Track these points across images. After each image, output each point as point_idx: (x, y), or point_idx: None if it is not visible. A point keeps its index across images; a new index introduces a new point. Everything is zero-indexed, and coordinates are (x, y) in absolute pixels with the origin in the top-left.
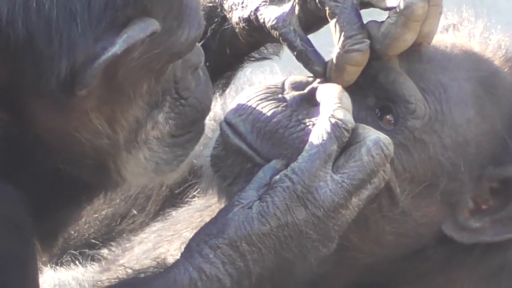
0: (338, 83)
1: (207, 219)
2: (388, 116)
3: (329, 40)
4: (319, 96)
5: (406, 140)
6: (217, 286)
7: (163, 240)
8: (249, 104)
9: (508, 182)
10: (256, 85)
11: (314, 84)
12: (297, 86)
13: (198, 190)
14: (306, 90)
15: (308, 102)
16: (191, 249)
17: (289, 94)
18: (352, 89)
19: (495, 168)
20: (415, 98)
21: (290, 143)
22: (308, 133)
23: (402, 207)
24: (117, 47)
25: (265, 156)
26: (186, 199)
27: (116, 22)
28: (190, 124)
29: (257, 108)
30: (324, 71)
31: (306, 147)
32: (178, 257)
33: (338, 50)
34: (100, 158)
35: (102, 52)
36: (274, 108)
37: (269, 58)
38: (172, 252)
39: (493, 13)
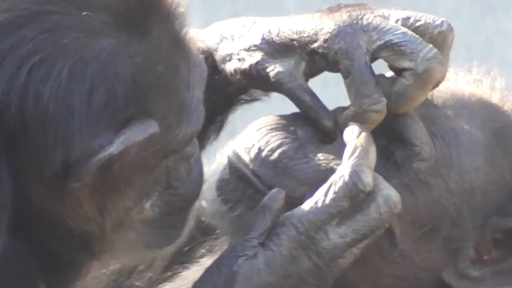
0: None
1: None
2: (394, 158)
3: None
4: (347, 136)
5: (411, 182)
6: None
7: None
8: (257, 133)
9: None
10: (267, 117)
11: (324, 122)
12: (306, 121)
13: (208, 247)
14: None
15: (319, 139)
16: None
17: (301, 128)
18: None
19: (500, 218)
20: (420, 141)
21: (293, 173)
22: (313, 168)
23: (402, 250)
24: (114, 147)
25: (267, 184)
26: (195, 257)
27: (115, 120)
28: (176, 212)
29: (265, 137)
30: (334, 126)
31: (317, 193)
32: None
33: (354, 109)
34: (86, 238)
35: (99, 150)
36: (282, 138)
37: (259, 99)
38: None
39: (501, 64)
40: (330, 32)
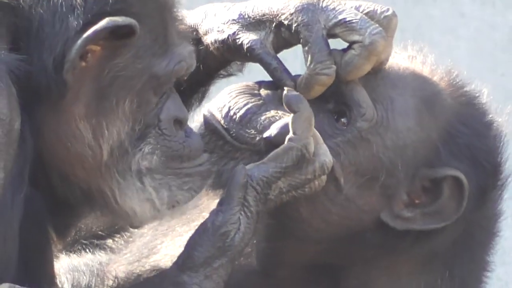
0: (305, 97)
1: (194, 217)
2: (343, 119)
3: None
4: (290, 104)
5: (354, 139)
6: None
7: (159, 234)
8: (228, 96)
9: (437, 182)
10: (237, 83)
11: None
12: (271, 86)
13: None
14: (279, 90)
15: (279, 100)
16: (197, 268)
17: (264, 91)
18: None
19: (427, 169)
20: (366, 104)
21: (255, 126)
22: (272, 122)
23: (346, 194)
24: (98, 26)
25: (234, 136)
26: None
27: (104, 13)
28: (180, 159)
29: (234, 99)
30: (295, 86)
31: (272, 156)
32: (185, 273)
33: (309, 72)
34: (93, 181)
35: (87, 31)
36: (248, 99)
37: (235, 75)
38: (166, 243)
39: (429, 45)
40: (295, 8)
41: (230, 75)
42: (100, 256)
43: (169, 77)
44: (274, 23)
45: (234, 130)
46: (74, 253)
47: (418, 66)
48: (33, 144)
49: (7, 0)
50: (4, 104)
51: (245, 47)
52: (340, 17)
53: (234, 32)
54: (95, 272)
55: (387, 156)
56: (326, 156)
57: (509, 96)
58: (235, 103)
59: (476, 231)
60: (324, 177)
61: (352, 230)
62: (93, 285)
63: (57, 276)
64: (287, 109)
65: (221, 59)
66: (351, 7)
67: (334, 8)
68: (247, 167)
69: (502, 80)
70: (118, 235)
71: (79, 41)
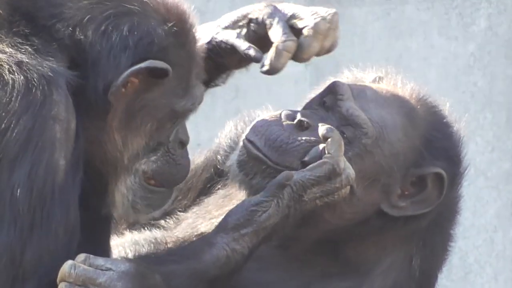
0: (276, 66)
1: (226, 203)
2: (349, 136)
3: None
4: (324, 132)
5: (361, 152)
6: (240, 257)
7: (199, 217)
8: (260, 127)
9: (423, 177)
10: (263, 115)
11: (298, 117)
12: (288, 117)
13: (221, 185)
14: (294, 122)
15: (296, 129)
16: (227, 231)
17: (285, 123)
18: (322, 119)
19: (414, 169)
20: (367, 125)
21: (290, 152)
22: (302, 148)
23: (357, 195)
24: (142, 64)
25: (274, 161)
26: (213, 190)
27: (148, 58)
28: (162, 181)
29: (267, 130)
30: (262, 57)
31: (310, 168)
32: (218, 234)
33: (277, 42)
34: (108, 170)
35: (131, 67)
36: (277, 131)
37: (219, 85)
38: (205, 224)
39: (408, 71)
40: (261, 7)
41: (216, 85)
42: (155, 233)
43: (184, 113)
44: (246, 21)
45: (274, 157)
46: (135, 230)
47: (398, 89)
48: (84, 141)
49: (70, 33)
50: (63, 108)
51: (224, 40)
52: (293, 11)
53: (217, 33)
54: (152, 245)
55: (386, 162)
56: (350, 170)
57: (468, 108)
58: (269, 134)
59: (444, 211)
60: (348, 187)
61: (359, 220)
62: (149, 252)
63: (122, 248)
64: (321, 137)
65: (210, 68)
66: (302, 8)
67: (288, 7)
68: (289, 172)
69: (463, 96)
70: (169, 218)
71: (125, 73)
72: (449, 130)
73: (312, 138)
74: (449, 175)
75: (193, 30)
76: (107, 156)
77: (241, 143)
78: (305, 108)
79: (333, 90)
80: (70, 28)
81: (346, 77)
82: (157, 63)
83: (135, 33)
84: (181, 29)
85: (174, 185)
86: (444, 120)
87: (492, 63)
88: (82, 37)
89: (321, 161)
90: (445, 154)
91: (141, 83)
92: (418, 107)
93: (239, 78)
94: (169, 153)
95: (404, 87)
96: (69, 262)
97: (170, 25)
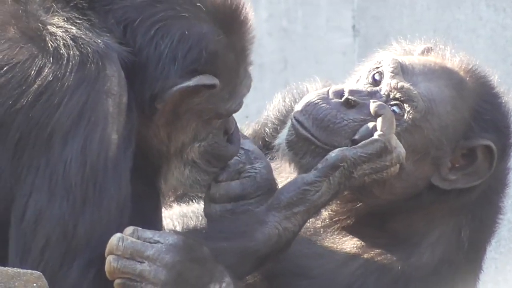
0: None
1: (276, 176)
2: (398, 111)
3: None
4: (377, 110)
5: (410, 127)
6: (291, 235)
7: None
8: (308, 106)
9: (472, 149)
10: (311, 93)
11: (345, 94)
12: (336, 94)
13: (270, 157)
14: (342, 100)
15: (344, 106)
16: (280, 209)
17: (333, 101)
18: (370, 95)
19: (464, 141)
20: (417, 99)
21: (338, 132)
22: (349, 127)
23: (406, 169)
24: (190, 82)
25: (323, 141)
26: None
27: (196, 70)
28: (209, 162)
29: (314, 109)
30: None
31: (361, 144)
32: (270, 212)
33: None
34: (160, 159)
35: (181, 83)
36: (324, 110)
37: None
38: None
39: (456, 42)
40: None
41: None
42: (202, 206)
43: (229, 114)
44: None
45: (322, 137)
46: (184, 203)
47: (446, 60)
48: (137, 115)
49: (121, 31)
50: (115, 83)
51: None
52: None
53: None
54: (200, 218)
55: (435, 136)
56: (401, 148)
57: None
58: (316, 113)
59: (493, 183)
60: (398, 165)
61: (409, 194)
62: (198, 227)
63: (170, 221)
64: (373, 114)
65: None
66: None
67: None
68: (341, 149)
69: (511, 67)
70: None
71: (174, 89)
72: (498, 102)
73: (360, 116)
74: (498, 147)
75: (245, 25)
76: (154, 147)
77: (289, 122)
78: (352, 83)
79: (381, 65)
80: (121, 27)
81: (394, 49)
82: (205, 80)
83: (185, 42)
84: (232, 28)
85: (220, 166)
86: (493, 92)
87: None
88: (131, 40)
89: (372, 138)
90: (494, 126)
91: (188, 91)
92: (467, 79)
93: (288, 50)
94: (214, 139)
95: (452, 59)
96: (117, 235)
97: (221, 26)
